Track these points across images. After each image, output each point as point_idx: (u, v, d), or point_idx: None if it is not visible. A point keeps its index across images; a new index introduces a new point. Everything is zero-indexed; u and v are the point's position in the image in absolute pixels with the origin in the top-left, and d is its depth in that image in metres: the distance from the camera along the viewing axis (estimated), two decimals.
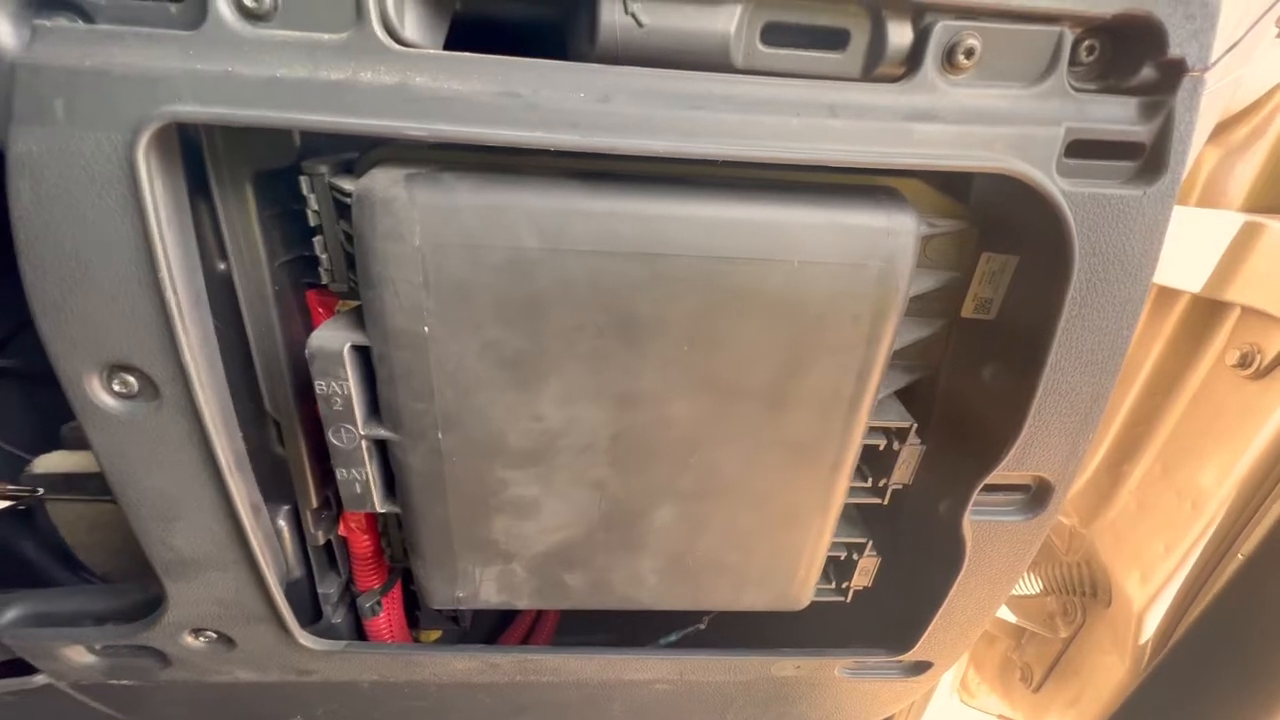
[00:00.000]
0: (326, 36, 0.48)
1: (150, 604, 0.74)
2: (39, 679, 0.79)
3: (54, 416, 0.95)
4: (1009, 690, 1.47)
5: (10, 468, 1.00)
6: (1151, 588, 1.14)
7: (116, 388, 0.56)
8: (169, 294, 0.52)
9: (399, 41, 0.49)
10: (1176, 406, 1.10)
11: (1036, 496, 0.70)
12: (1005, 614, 1.39)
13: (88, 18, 0.48)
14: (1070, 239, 0.55)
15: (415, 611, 1.00)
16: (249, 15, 0.48)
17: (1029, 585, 1.31)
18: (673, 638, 1.03)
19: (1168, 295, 1.08)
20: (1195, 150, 0.58)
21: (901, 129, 0.52)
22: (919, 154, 0.52)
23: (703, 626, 1.05)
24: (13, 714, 0.84)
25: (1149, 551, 1.14)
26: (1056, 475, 0.67)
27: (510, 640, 1.16)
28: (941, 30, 0.51)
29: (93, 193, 0.49)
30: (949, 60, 0.52)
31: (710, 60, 0.52)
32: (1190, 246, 0.99)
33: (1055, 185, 0.53)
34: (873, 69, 0.53)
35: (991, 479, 0.67)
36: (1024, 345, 0.63)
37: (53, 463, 0.89)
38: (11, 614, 0.74)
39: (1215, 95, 0.62)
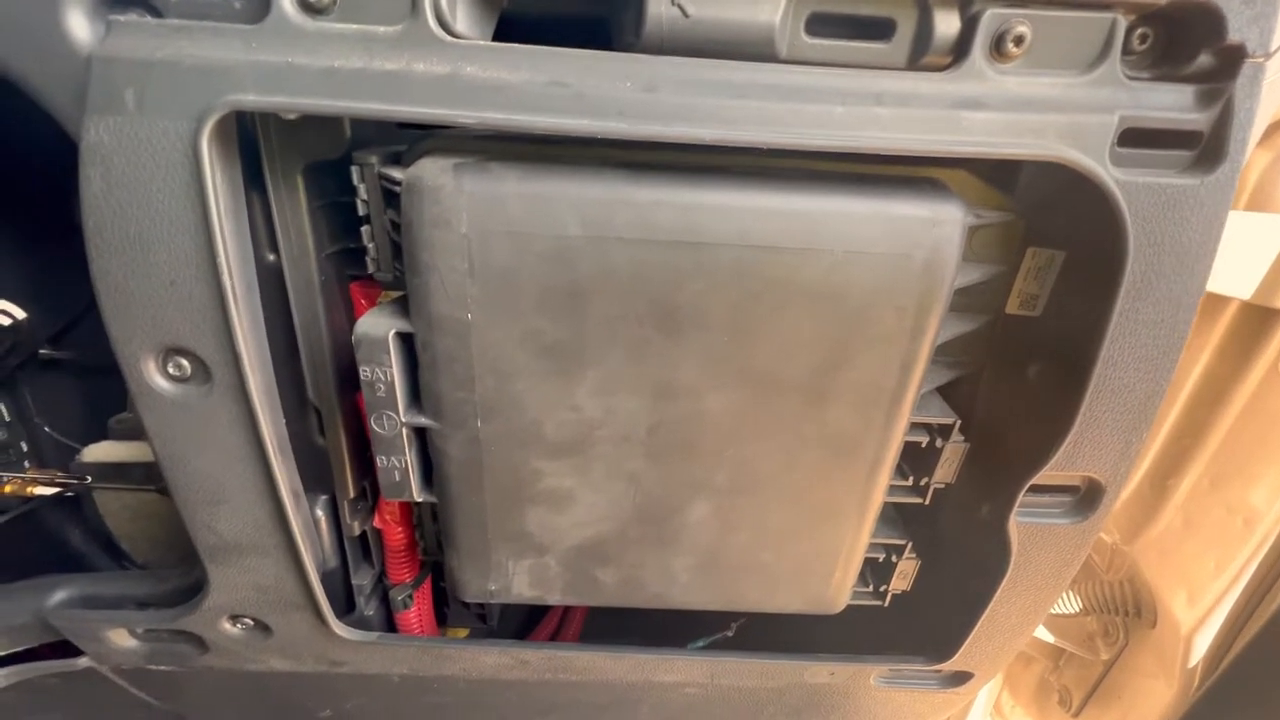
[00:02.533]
0: (382, 29, 0.50)
1: (191, 589, 0.75)
2: (82, 661, 0.81)
3: (103, 408, 0.99)
4: (1046, 714, 1.41)
5: (60, 456, 1.04)
6: (1201, 608, 1.09)
7: (171, 370, 0.58)
8: (225, 279, 0.54)
9: (451, 33, 0.50)
10: (1225, 418, 1.06)
11: (1086, 498, 0.68)
12: (1043, 633, 1.34)
13: (157, 13, 0.50)
14: (1124, 229, 0.53)
15: (444, 609, 1.00)
16: (309, 9, 0.49)
17: (1068, 604, 1.26)
18: (701, 643, 1.02)
19: (1215, 302, 1.04)
20: (1254, 141, 0.57)
21: (949, 117, 0.52)
22: (967, 142, 0.52)
23: (730, 633, 1.03)
24: (55, 696, 0.86)
25: (1197, 570, 1.09)
26: (1108, 476, 0.65)
27: (537, 640, 1.15)
28: (990, 18, 0.51)
29: (159, 179, 0.51)
30: (998, 48, 0.51)
31: (755, 51, 0.53)
32: (1239, 252, 0.95)
33: (1109, 174, 0.52)
34: (919, 58, 0.53)
35: (1039, 479, 0.65)
36: (1072, 342, 0.61)
37: (100, 452, 0.92)
38: (60, 595, 0.77)
39: (1271, 90, 0.61)
